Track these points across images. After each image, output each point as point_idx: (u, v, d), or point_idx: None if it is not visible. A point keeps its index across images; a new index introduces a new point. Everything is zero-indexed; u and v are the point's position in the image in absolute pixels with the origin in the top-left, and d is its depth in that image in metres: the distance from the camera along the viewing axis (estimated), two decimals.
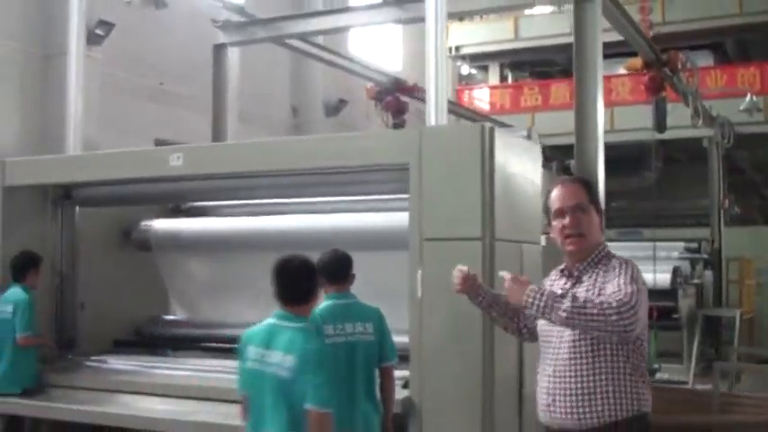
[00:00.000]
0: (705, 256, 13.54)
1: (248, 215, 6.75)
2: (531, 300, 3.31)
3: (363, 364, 4.59)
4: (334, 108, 16.75)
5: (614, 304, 3.19)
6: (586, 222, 3.55)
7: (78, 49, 7.41)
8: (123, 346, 6.89)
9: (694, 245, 13.78)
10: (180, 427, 5.62)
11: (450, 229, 4.63)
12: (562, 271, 3.66)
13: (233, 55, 9.15)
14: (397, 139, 5.13)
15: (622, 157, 12.58)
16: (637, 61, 10.64)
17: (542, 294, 3.30)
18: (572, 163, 6.76)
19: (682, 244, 13.66)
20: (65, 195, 6.78)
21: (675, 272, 11.92)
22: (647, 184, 15.02)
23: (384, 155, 4.98)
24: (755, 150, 17.93)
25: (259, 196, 6.30)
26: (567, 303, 3.23)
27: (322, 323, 4.12)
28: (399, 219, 5.21)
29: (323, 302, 4.56)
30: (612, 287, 3.32)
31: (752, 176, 20.34)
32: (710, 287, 13.22)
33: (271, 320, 3.88)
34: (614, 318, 3.17)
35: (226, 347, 6.54)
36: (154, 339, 7.00)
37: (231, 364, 6.07)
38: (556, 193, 3.63)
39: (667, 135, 11.61)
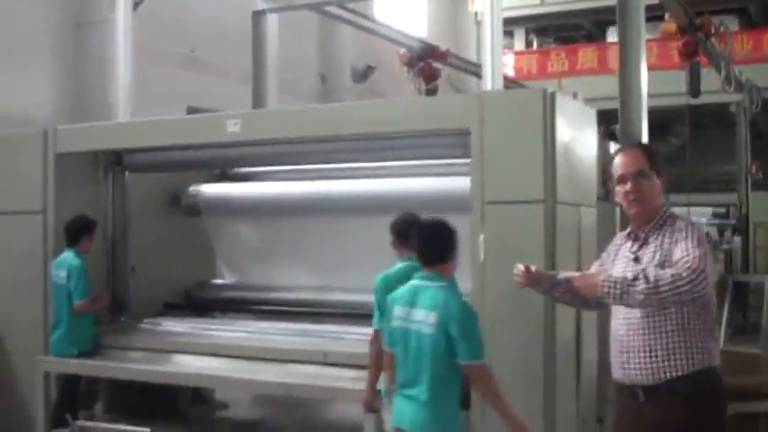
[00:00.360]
0: (733, 221, 13.52)
1: (295, 180, 6.78)
2: (606, 290, 3.44)
3: None
4: (362, 75, 16.54)
5: (685, 275, 3.29)
6: (647, 187, 3.65)
7: (126, 17, 7.47)
8: (174, 308, 7.02)
9: (722, 210, 13.75)
10: (235, 384, 5.80)
11: (512, 192, 4.68)
12: (628, 234, 3.76)
13: (272, 22, 9.16)
14: (458, 103, 5.14)
15: (649, 123, 12.52)
16: (671, 25, 10.58)
17: (615, 282, 3.42)
18: (617, 128, 6.78)
19: (710, 209, 13.64)
20: (115, 161, 6.85)
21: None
22: (674, 149, 14.93)
23: (444, 120, 5.01)
24: None
25: (315, 161, 6.35)
26: (641, 286, 3.33)
27: (397, 285, 4.23)
28: (456, 183, 5.29)
29: (397, 264, 4.66)
30: (681, 251, 3.42)
31: None
32: (738, 252, 13.24)
33: (415, 281, 4.05)
34: (686, 288, 3.28)
35: (274, 310, 6.72)
36: (203, 302, 7.14)
37: (280, 325, 6.28)
38: (618, 159, 3.74)
39: (694, 100, 11.53)
